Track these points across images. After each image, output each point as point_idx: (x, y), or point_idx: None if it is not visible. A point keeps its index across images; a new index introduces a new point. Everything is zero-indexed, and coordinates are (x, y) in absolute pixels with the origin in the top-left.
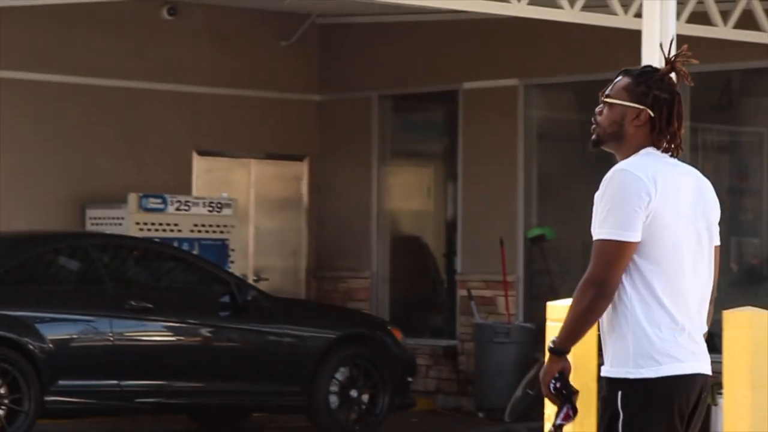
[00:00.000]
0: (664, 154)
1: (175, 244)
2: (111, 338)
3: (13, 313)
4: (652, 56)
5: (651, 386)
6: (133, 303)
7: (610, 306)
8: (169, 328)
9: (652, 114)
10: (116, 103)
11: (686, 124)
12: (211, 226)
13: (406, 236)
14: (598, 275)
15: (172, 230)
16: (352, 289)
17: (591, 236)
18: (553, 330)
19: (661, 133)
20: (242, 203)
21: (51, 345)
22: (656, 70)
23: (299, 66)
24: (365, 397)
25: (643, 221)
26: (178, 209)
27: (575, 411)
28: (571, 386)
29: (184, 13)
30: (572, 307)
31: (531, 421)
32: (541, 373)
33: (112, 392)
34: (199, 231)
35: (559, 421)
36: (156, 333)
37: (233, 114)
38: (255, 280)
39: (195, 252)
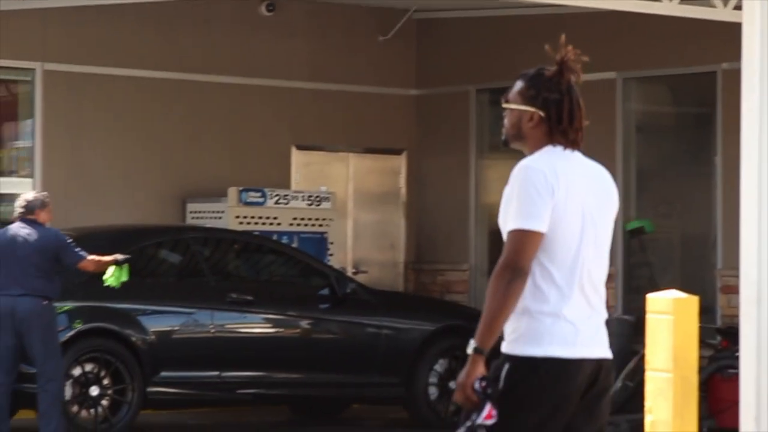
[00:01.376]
0: (565, 150)
1: (275, 237)
2: (212, 330)
3: (116, 305)
4: (752, 48)
5: (537, 364)
6: (233, 295)
7: None
8: (270, 320)
9: (542, 114)
10: (216, 98)
11: None
12: (310, 219)
13: None
14: (512, 261)
15: (271, 224)
16: (450, 282)
17: (688, 227)
18: (654, 322)
19: (556, 131)
20: (341, 197)
21: (153, 337)
22: (546, 72)
23: (397, 60)
24: None
25: (548, 212)
26: (277, 203)
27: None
28: (496, 386)
29: (283, 9)
30: (490, 297)
31: (630, 414)
32: (463, 376)
33: (213, 383)
34: (298, 224)
35: (480, 421)
36: (256, 325)
37: (332, 108)
38: (354, 273)
39: (294, 245)
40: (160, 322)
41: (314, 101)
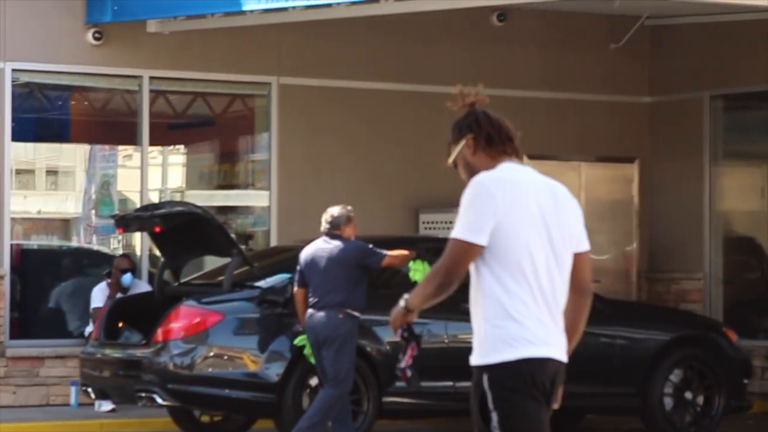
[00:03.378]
0: (518, 166)
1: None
2: (446, 340)
3: None
4: None
5: (511, 367)
6: (467, 305)
7: (474, 300)
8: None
9: (472, 135)
10: (447, 109)
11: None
12: None
13: (739, 237)
14: (445, 267)
15: None
16: (684, 291)
17: None
18: None
19: (491, 145)
20: None
21: (388, 347)
22: (465, 117)
23: (629, 68)
24: (700, 400)
25: (491, 226)
26: None
27: (419, 349)
28: (414, 332)
29: (514, 18)
30: (424, 285)
31: None
32: (392, 318)
33: (447, 393)
34: None
35: (404, 364)
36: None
37: (564, 117)
38: None
39: None
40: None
41: (546, 110)
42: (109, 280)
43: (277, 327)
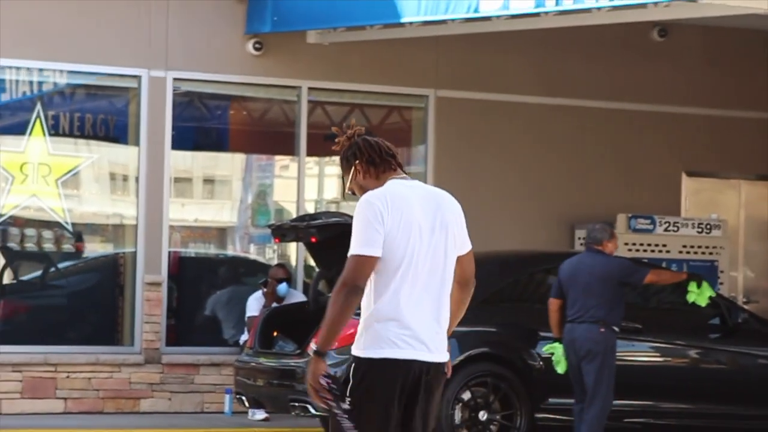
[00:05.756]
0: (405, 180)
1: (663, 265)
2: None
3: (505, 331)
4: None
5: (373, 363)
6: (622, 323)
7: (363, 299)
8: (658, 349)
9: (357, 161)
10: (607, 124)
11: None
12: (699, 247)
13: None
14: (350, 280)
15: (660, 251)
16: None
17: None
18: None
19: (376, 166)
20: (732, 224)
21: (542, 363)
22: (348, 147)
23: None
24: None
25: (382, 236)
26: (666, 230)
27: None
28: (338, 381)
29: (676, 34)
30: (330, 308)
31: None
32: (309, 374)
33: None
34: (688, 252)
35: (341, 411)
36: (645, 353)
37: (725, 135)
38: (745, 302)
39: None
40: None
41: (706, 127)
42: (265, 290)
43: None
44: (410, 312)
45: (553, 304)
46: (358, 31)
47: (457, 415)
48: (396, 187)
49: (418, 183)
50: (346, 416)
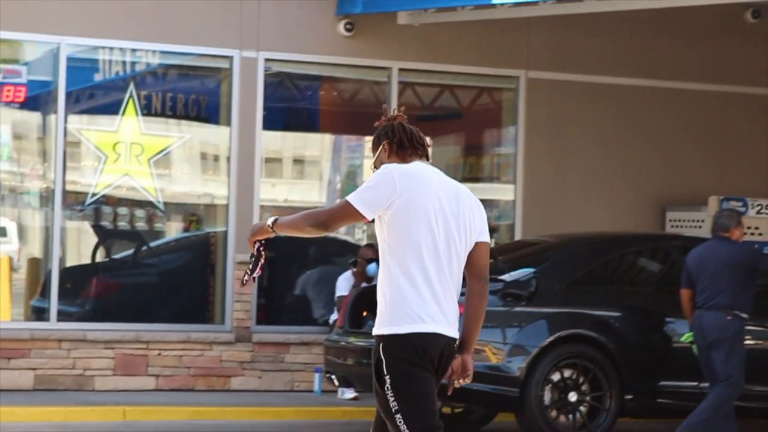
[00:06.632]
0: (430, 167)
1: (756, 247)
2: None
3: (595, 312)
4: None
5: (402, 339)
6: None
7: (382, 276)
8: (750, 332)
9: (387, 141)
10: (698, 106)
11: None
12: None
13: None
14: (324, 217)
15: (752, 233)
16: None
17: None
18: None
19: (404, 149)
20: None
21: (631, 344)
22: (383, 127)
23: None
24: None
25: (383, 207)
26: (759, 212)
27: (263, 268)
28: (268, 249)
29: None
30: (298, 220)
31: None
32: (253, 230)
33: (690, 393)
34: None
35: (255, 274)
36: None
37: None
38: None
39: None
40: (639, 330)
41: None
42: (354, 269)
43: (520, 321)
44: (430, 288)
45: (685, 294)
46: (449, 12)
47: (547, 396)
48: (420, 169)
49: (441, 173)
50: (244, 282)
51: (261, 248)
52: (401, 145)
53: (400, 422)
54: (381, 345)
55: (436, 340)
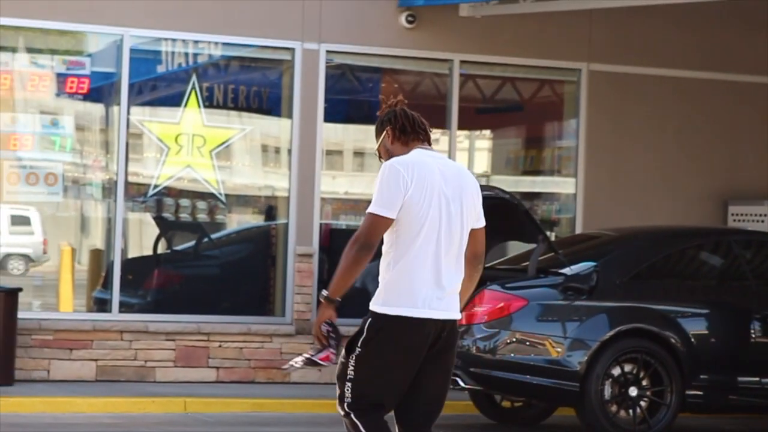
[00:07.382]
0: (429, 151)
1: None
2: (753, 335)
3: (656, 306)
4: None
5: (388, 320)
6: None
7: (382, 260)
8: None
9: (390, 127)
10: (764, 99)
11: None
12: None
13: None
14: (362, 237)
15: None
16: None
17: None
18: None
19: (406, 134)
20: None
21: (693, 339)
22: (385, 113)
23: None
24: None
25: (401, 201)
26: None
27: (337, 356)
28: (339, 332)
29: None
30: (342, 262)
31: None
32: (316, 318)
33: (752, 389)
34: None
35: (317, 359)
36: None
37: None
38: None
39: None
40: (700, 325)
41: None
42: None
43: (580, 315)
44: (428, 272)
45: None
46: (511, 4)
47: (607, 391)
48: (420, 156)
49: (441, 155)
50: (336, 360)
51: (330, 331)
52: (404, 130)
53: (347, 389)
54: (369, 320)
55: (424, 325)
